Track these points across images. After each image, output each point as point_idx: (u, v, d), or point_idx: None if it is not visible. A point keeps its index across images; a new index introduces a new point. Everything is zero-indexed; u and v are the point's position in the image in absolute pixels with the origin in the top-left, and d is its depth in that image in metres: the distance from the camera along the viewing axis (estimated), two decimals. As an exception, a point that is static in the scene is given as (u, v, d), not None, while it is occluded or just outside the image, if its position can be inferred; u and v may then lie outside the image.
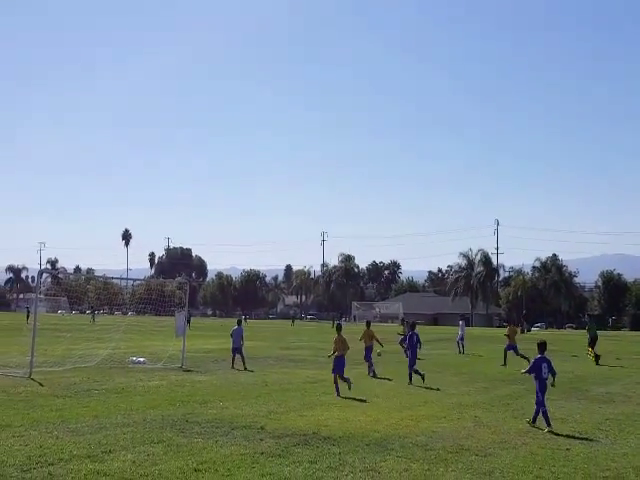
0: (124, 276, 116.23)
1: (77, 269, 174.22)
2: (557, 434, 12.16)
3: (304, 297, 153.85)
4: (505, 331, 28.05)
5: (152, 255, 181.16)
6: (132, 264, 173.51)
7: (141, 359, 23.83)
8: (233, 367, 22.40)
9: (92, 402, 14.46)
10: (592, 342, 30.12)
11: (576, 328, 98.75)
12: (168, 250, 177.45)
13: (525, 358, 24.53)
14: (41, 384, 17.21)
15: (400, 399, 16.06)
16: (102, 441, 10.45)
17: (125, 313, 72.30)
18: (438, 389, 18.08)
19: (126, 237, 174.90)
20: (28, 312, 65.04)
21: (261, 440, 10.92)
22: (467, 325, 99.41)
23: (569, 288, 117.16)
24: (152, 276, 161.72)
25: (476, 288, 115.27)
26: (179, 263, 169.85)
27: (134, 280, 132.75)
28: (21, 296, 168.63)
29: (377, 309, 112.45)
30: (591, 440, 11.72)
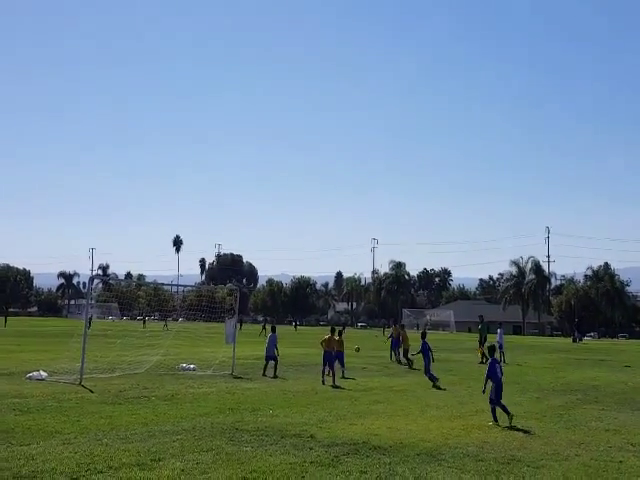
0: (175, 282, 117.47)
1: (128, 275, 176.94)
2: (610, 446, 11.93)
3: (354, 304, 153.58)
4: (390, 332, 29.29)
5: (203, 261, 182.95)
6: (183, 270, 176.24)
7: (191, 366, 23.97)
8: (264, 374, 22.17)
9: (142, 409, 14.55)
10: (482, 342, 31.14)
11: (629, 338, 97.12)
12: (219, 256, 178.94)
13: (401, 361, 27.72)
14: (91, 391, 17.36)
15: (451, 408, 15.88)
16: (151, 449, 10.49)
17: (176, 319, 73.23)
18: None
19: (177, 243, 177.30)
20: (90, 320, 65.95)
21: (311, 449, 10.87)
22: (518, 334, 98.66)
23: (621, 297, 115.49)
24: (203, 282, 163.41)
25: (527, 296, 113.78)
26: (230, 269, 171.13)
27: (185, 286, 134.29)
28: (72, 302, 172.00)
29: (428, 316, 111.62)
30: (647, 453, 11.40)
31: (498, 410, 13.89)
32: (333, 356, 21.62)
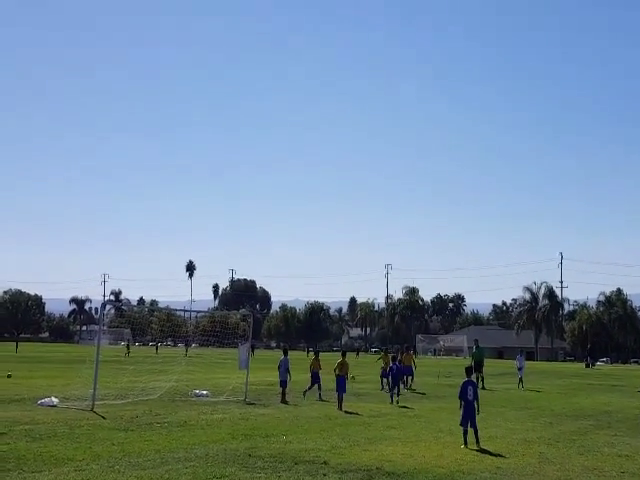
0: (188, 308, 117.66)
1: (141, 300, 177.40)
2: (622, 472, 11.95)
3: (368, 329, 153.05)
4: (379, 357, 28.93)
5: (216, 287, 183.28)
6: (196, 295, 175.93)
7: (204, 392, 23.97)
8: (284, 401, 22.15)
9: (154, 436, 14.55)
10: (477, 366, 30.41)
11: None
12: (232, 282, 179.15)
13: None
14: (103, 417, 17.32)
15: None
16: (164, 476, 10.51)
17: (189, 345, 73.29)
18: (507, 424, 17.75)
19: (190, 268, 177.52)
20: (128, 345, 66.21)
21: (324, 475, 10.89)
22: (531, 359, 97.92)
23: (633, 323, 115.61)
24: (216, 308, 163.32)
25: (540, 322, 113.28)
26: (243, 295, 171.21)
27: (198, 312, 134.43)
28: (84, 328, 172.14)
29: (441, 342, 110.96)
30: (663, 480, 11.37)
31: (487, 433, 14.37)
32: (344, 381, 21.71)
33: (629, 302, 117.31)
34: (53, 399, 20.05)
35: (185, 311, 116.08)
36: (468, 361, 36.08)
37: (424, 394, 26.65)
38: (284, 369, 22.83)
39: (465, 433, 14.06)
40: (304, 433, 15.45)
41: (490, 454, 13.22)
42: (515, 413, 20.82)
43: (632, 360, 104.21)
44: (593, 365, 70.15)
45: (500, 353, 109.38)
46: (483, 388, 29.62)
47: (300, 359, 64.50)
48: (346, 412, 19.77)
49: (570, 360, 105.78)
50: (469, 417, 14.12)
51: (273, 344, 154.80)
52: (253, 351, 55.23)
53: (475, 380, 30.31)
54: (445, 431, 16.34)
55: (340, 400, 20.92)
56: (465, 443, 13.93)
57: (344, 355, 23.08)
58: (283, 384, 22.67)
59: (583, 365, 70.32)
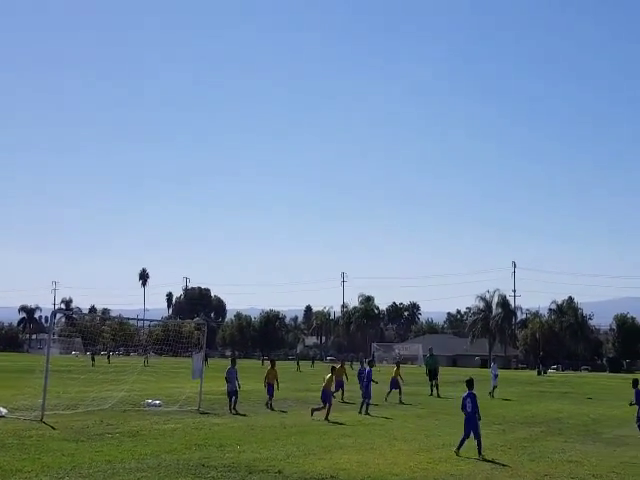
0: (141, 316, 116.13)
1: (92, 309, 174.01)
2: (573, 477, 12.19)
3: (324, 338, 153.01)
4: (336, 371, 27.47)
5: (170, 295, 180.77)
6: (149, 304, 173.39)
7: (157, 402, 23.63)
8: (232, 411, 21.65)
9: (105, 446, 14.31)
10: (432, 374, 31.19)
11: (591, 370, 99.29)
12: (186, 290, 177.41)
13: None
14: (53, 428, 16.96)
15: (418, 442, 15.93)
16: (115, 486, 10.36)
17: (141, 354, 72.30)
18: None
19: (143, 277, 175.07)
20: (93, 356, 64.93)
21: (278, 484, 10.84)
22: (485, 367, 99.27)
23: (584, 331, 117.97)
24: (170, 317, 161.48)
25: (494, 330, 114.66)
26: (197, 303, 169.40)
27: (151, 321, 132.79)
28: (34, 337, 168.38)
29: (397, 350, 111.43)
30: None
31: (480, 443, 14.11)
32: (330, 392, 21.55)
33: (580, 310, 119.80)
34: (2, 409, 19.53)
35: (138, 320, 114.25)
36: (423, 369, 36.37)
37: (376, 405, 26.55)
38: (232, 379, 22.39)
39: (462, 441, 14.17)
40: (258, 442, 15.34)
41: (444, 461, 13.31)
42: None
43: (583, 367, 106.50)
44: (545, 372, 71.39)
45: (454, 361, 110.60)
46: (438, 396, 29.90)
47: (255, 368, 64.19)
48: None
49: (523, 368, 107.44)
50: (470, 428, 14.22)
51: (228, 353, 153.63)
52: (207, 360, 54.74)
53: (432, 388, 30.82)
54: (399, 439, 16.41)
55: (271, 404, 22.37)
56: (458, 448, 14.10)
57: (273, 364, 24.02)
58: (232, 394, 22.22)
59: (535, 373, 71.44)
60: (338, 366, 27.57)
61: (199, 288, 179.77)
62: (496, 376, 32.83)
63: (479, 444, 14.05)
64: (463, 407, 14.51)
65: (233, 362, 23.59)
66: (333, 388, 22.30)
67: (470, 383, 14.89)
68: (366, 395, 22.73)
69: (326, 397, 20.59)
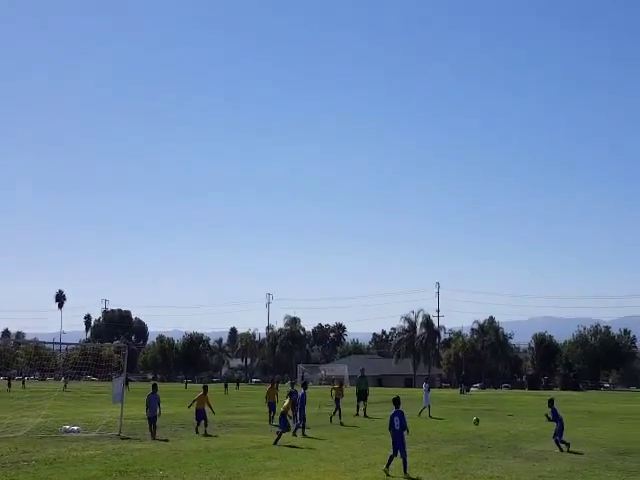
0: (57, 340, 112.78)
1: (5, 333, 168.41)
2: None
3: (249, 360, 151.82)
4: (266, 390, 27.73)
5: (88, 318, 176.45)
6: (66, 327, 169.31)
7: (75, 427, 22.89)
8: (154, 438, 20.80)
9: (20, 475, 13.71)
10: (362, 395, 31.60)
11: (511, 388, 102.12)
12: (105, 312, 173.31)
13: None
14: (-36, 456, 16.17)
15: (345, 462, 15.88)
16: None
17: (58, 379, 70.06)
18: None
19: (60, 299, 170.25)
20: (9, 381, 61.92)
21: (201, 509, 10.58)
22: (410, 386, 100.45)
23: (505, 350, 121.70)
24: (88, 340, 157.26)
25: (418, 350, 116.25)
26: (117, 326, 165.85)
27: (68, 344, 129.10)
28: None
29: (322, 371, 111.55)
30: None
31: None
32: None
33: (500, 330, 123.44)
34: None
35: (54, 343, 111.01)
36: (348, 390, 36.46)
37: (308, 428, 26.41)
38: (153, 405, 21.57)
39: (390, 458, 14.22)
40: (182, 467, 14.98)
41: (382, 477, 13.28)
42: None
43: (503, 385, 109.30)
44: (467, 391, 72.66)
45: (379, 381, 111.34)
46: (365, 416, 29.97)
47: (178, 391, 63.10)
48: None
49: (446, 387, 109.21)
50: (397, 446, 14.29)
51: (150, 376, 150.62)
52: (128, 384, 53.50)
53: (359, 408, 30.90)
54: (326, 460, 16.33)
55: (199, 429, 22.04)
56: (387, 466, 14.11)
57: (205, 390, 23.17)
58: (152, 420, 21.47)
59: (458, 391, 72.64)
60: (268, 387, 27.58)
61: (119, 310, 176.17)
62: (427, 393, 33.17)
63: (405, 462, 14.14)
64: (391, 425, 14.60)
65: (154, 388, 22.42)
66: (291, 413, 21.89)
67: (397, 401, 15.00)
68: (301, 418, 22.59)
69: (283, 422, 20.33)
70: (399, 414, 14.64)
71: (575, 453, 18.24)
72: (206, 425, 22.39)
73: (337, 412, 27.59)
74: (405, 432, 14.56)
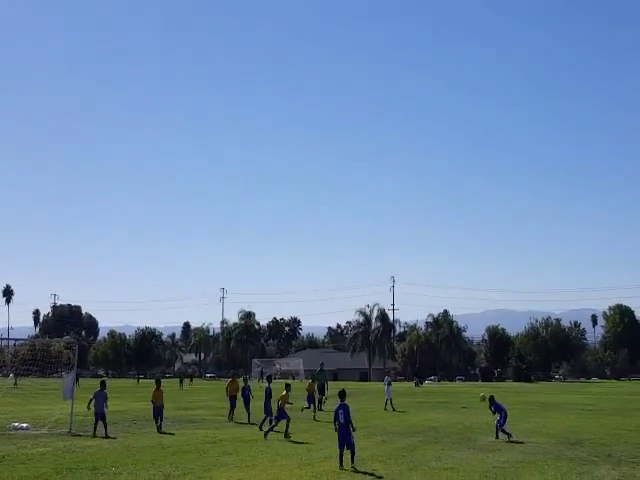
0: (5, 336, 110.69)
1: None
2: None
3: (203, 355, 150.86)
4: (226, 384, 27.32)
5: (37, 313, 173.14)
6: (14, 322, 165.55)
7: (24, 425, 22.39)
8: (95, 435, 20.33)
9: (-33, 474, 13.34)
10: (321, 389, 31.60)
11: (465, 380, 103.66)
12: (55, 307, 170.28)
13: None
14: None
15: (300, 456, 15.84)
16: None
17: (6, 375, 68.59)
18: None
19: (7, 293, 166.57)
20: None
21: (154, 506, 10.41)
22: (365, 380, 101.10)
23: (459, 342, 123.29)
24: (37, 335, 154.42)
25: (373, 343, 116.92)
26: (67, 321, 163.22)
27: (16, 340, 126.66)
28: None
29: (277, 365, 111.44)
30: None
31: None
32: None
33: (455, 323, 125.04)
34: None
35: (2, 339, 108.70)
36: (303, 384, 36.39)
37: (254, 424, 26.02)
38: (101, 401, 20.93)
39: (340, 456, 14.13)
40: (135, 464, 14.75)
41: (325, 474, 13.26)
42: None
43: (457, 378, 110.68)
44: (421, 384, 73.39)
45: (335, 375, 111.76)
46: (321, 409, 29.92)
47: (130, 387, 62.34)
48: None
49: (401, 380, 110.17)
50: (344, 439, 14.22)
51: (101, 372, 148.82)
52: (78, 380, 52.53)
53: (320, 402, 30.84)
54: (281, 454, 16.26)
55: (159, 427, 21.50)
56: (340, 464, 13.97)
57: (158, 384, 22.77)
58: (100, 417, 20.81)
59: (413, 384, 73.35)
60: (229, 381, 26.99)
61: (69, 305, 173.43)
62: (389, 386, 33.39)
63: (353, 454, 14.19)
64: (336, 418, 14.61)
65: (102, 384, 21.82)
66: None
67: (342, 394, 15.05)
68: (266, 412, 22.37)
69: (282, 414, 20.28)
70: (344, 407, 14.64)
71: (518, 443, 18.62)
72: (161, 420, 22.04)
73: (312, 407, 27.74)
74: (351, 428, 14.46)
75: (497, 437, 19.51)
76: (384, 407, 31.89)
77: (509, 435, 19.26)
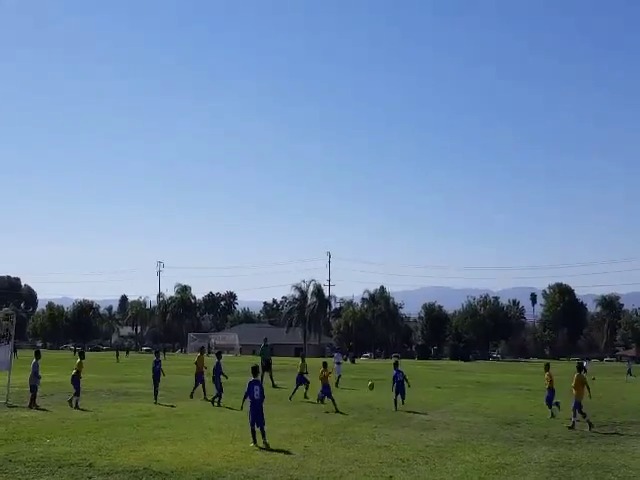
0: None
1: None
2: (381, 462, 12.73)
3: (139, 328, 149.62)
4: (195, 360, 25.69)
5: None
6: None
7: (-42, 396, 22.15)
8: (33, 406, 20.38)
9: None
10: (267, 365, 31.72)
11: (401, 358, 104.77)
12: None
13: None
14: None
15: (234, 431, 16.11)
16: None
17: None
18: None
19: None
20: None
21: (89, 478, 10.72)
22: (297, 356, 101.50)
23: (395, 319, 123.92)
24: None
25: (309, 319, 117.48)
26: (7, 293, 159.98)
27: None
28: None
29: (213, 340, 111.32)
30: (412, 467, 12.35)
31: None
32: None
33: (391, 300, 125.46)
34: None
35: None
36: (239, 359, 36.69)
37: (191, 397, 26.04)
38: (34, 373, 21.10)
39: (253, 432, 14.06)
40: (69, 435, 14.95)
41: (257, 450, 13.62)
42: (282, 409, 21.35)
43: (393, 355, 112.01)
44: (354, 361, 74.20)
45: (271, 350, 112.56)
46: (274, 386, 29.85)
47: (66, 359, 61.59)
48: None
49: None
50: (256, 416, 14.09)
51: (39, 344, 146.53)
52: (16, 352, 51.72)
53: (261, 379, 30.72)
54: (214, 429, 16.57)
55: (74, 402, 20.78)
56: (254, 442, 13.96)
57: (82, 356, 22.76)
58: (33, 389, 20.96)
59: (348, 361, 74.09)
60: (198, 355, 25.51)
61: (8, 277, 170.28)
62: (338, 364, 33.74)
63: (263, 431, 14.01)
64: (249, 393, 14.28)
65: (37, 355, 21.95)
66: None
67: (255, 370, 14.91)
68: (218, 388, 22.44)
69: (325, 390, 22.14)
70: (259, 383, 14.59)
71: (447, 422, 19.12)
72: (78, 395, 21.15)
73: (302, 388, 26.08)
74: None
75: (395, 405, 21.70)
76: (336, 384, 30.91)
77: (395, 405, 21.57)
